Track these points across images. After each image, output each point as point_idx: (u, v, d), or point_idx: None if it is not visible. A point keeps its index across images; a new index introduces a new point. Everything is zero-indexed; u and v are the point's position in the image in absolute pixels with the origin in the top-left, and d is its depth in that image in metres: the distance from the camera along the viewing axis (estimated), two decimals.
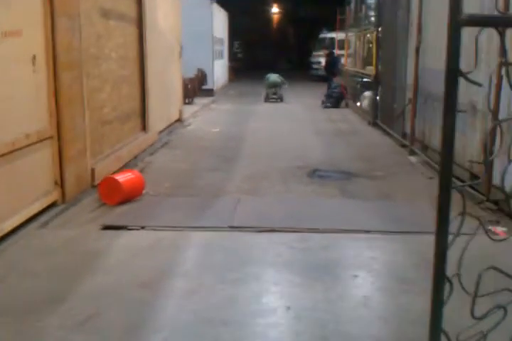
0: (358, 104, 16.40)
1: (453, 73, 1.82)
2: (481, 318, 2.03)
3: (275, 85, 19.22)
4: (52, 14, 5.60)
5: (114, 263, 4.39)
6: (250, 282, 4.02)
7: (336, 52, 22.17)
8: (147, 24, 9.41)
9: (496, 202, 5.86)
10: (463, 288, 1.93)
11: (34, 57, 5.31)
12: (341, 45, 22.86)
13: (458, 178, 6.55)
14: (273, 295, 3.84)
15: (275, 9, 46.66)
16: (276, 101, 19.14)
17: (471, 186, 6.26)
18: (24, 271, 4.17)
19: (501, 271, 2.12)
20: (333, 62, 19.50)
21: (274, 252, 4.65)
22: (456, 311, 2.34)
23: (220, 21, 24.68)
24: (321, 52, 25.60)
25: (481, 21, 1.94)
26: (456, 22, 1.80)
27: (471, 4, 5.79)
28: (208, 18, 20.73)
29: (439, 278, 1.91)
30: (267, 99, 19.32)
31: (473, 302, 2.00)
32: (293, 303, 3.69)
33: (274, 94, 19.31)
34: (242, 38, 43.68)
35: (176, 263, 4.42)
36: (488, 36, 5.97)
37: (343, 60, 20.77)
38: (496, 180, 5.80)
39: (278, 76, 19.26)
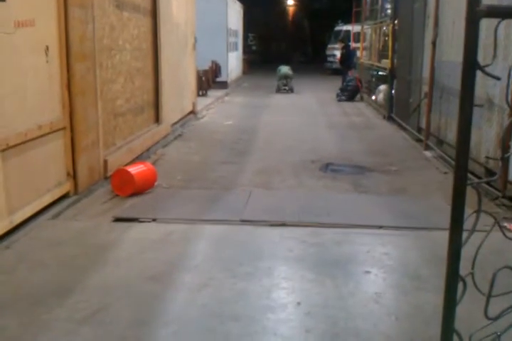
0: (373, 97, 16.27)
1: (470, 66, 1.76)
2: (495, 319, 1.98)
3: (286, 77, 20.14)
4: (65, 4, 5.56)
5: (124, 255, 4.37)
6: (261, 277, 3.98)
7: (352, 45, 22.01)
8: (161, 16, 9.36)
9: (511, 199, 5.77)
10: (477, 288, 1.88)
11: (47, 48, 5.29)
12: (357, 37, 22.67)
13: (473, 173, 6.46)
14: (284, 291, 3.79)
15: (290, 1, 46.42)
16: (287, 92, 19.83)
17: (486, 182, 6.18)
18: (34, 263, 4.16)
19: None
20: (348, 55, 19.40)
21: (285, 247, 4.61)
22: (469, 310, 2.29)
23: (234, 13, 24.56)
24: (337, 45, 25.42)
25: (501, 12, 1.86)
26: (475, 13, 1.74)
27: None
28: (222, 10, 20.64)
29: (453, 276, 1.86)
30: (278, 90, 20.12)
31: (487, 302, 1.95)
32: (304, 299, 3.65)
33: (285, 85, 20.18)
34: (256, 30, 43.52)
35: (187, 256, 4.39)
36: (506, 30, 5.87)
37: (358, 53, 20.64)
38: None
39: (289, 68, 20.15)
